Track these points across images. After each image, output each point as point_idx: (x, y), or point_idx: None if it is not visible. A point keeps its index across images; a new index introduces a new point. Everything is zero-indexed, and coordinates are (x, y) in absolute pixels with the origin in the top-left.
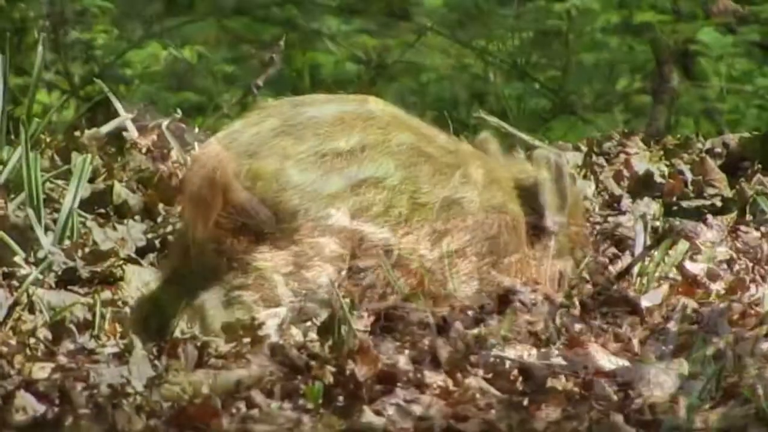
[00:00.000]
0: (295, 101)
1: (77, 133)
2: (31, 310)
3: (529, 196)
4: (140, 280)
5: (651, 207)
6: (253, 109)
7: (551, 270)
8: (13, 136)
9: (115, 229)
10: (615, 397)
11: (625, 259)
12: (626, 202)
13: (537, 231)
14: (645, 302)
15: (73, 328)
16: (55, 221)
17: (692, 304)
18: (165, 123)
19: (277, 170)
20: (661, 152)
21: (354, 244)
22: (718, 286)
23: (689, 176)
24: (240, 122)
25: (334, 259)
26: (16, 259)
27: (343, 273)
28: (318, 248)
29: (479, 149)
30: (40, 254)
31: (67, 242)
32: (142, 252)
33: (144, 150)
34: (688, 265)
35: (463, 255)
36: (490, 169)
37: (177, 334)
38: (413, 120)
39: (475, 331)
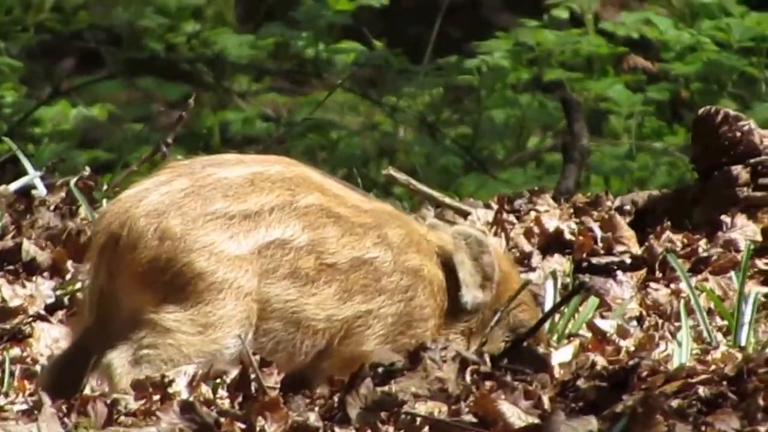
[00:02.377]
0: (206, 161)
1: None
2: None
3: (449, 270)
4: (49, 337)
5: (561, 264)
6: (164, 167)
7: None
8: None
9: (24, 286)
10: None
11: None
12: (537, 259)
13: (455, 306)
14: (555, 359)
15: None
16: None
17: (602, 360)
18: (73, 181)
19: (184, 231)
20: (571, 209)
21: (261, 305)
22: (627, 343)
23: (599, 233)
24: (149, 181)
25: (241, 321)
26: None
27: (250, 334)
28: (225, 309)
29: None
30: None
31: None
32: (51, 309)
33: (52, 207)
34: (598, 322)
35: (376, 316)
36: (410, 231)
37: (87, 391)
38: (325, 180)
39: (386, 387)
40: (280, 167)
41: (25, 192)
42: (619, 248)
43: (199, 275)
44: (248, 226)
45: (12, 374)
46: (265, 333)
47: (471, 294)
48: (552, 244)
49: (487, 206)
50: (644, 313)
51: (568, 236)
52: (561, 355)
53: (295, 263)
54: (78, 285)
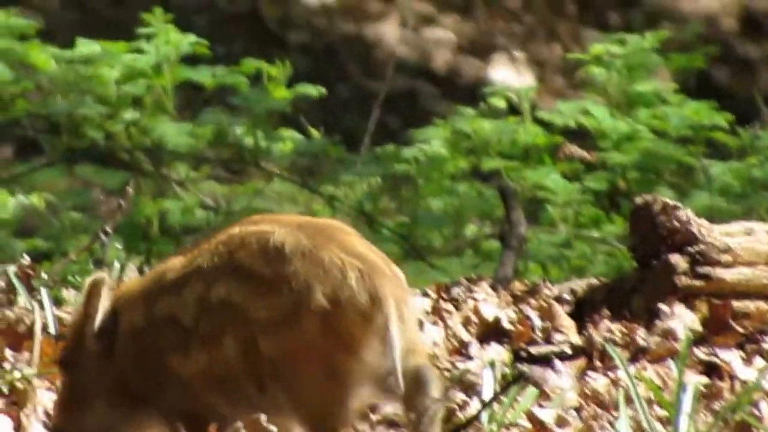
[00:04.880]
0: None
1: None
2: None
3: None
4: None
5: (499, 353)
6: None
7: None
8: None
9: None
10: None
11: (474, 405)
12: (475, 348)
13: None
14: None
15: None
16: None
17: None
18: (12, 269)
19: None
20: (510, 298)
21: None
22: None
23: (538, 322)
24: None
25: None
26: None
27: None
28: None
29: None
30: None
31: None
32: None
33: None
34: (537, 412)
35: None
36: None
37: None
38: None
39: None
40: None
41: None
42: (558, 337)
43: None
44: None
45: None
46: None
47: None
48: (490, 332)
49: (425, 294)
50: (583, 402)
51: (506, 325)
52: None
53: None
54: (17, 374)
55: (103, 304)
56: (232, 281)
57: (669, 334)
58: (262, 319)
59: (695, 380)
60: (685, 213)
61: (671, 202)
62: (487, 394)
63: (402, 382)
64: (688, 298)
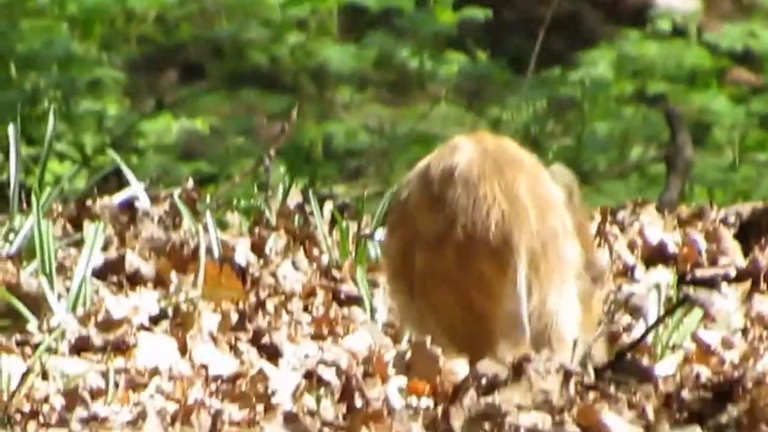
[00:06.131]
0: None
1: (89, 203)
2: (44, 378)
3: None
4: (153, 348)
5: (665, 276)
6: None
7: None
8: (25, 205)
9: (127, 297)
10: None
11: (639, 328)
12: (640, 271)
13: None
14: (659, 371)
15: (87, 396)
16: (68, 289)
17: (706, 372)
18: (177, 193)
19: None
20: (675, 221)
21: None
22: (732, 355)
23: (703, 245)
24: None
25: None
26: (29, 326)
27: None
28: None
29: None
30: (53, 322)
31: (80, 310)
32: (154, 320)
33: (156, 219)
34: (702, 334)
35: None
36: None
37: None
38: None
39: (489, 399)
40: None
41: (129, 204)
42: (724, 260)
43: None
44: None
45: (116, 385)
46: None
47: None
48: (655, 256)
49: (591, 218)
50: (749, 325)
51: (671, 248)
52: (665, 367)
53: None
54: (182, 296)
55: None
56: (416, 185)
57: None
58: (421, 232)
59: None
60: None
61: None
62: (652, 317)
63: (527, 332)
64: None
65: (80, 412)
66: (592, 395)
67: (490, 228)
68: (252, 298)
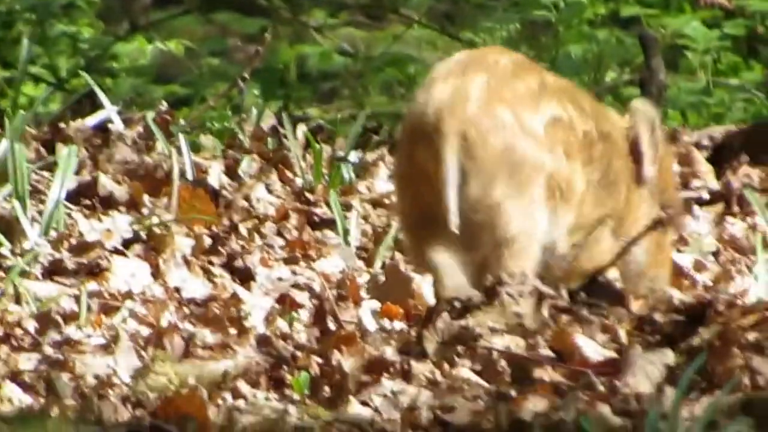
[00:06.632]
0: (478, 53)
1: (63, 126)
2: (18, 301)
3: (631, 145)
4: (126, 272)
5: None
6: (438, 69)
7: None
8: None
9: (100, 220)
10: (602, 388)
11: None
12: None
13: (635, 180)
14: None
15: (59, 319)
16: (41, 213)
17: (679, 294)
18: (150, 115)
19: (514, 117)
20: None
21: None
22: (704, 277)
23: (676, 168)
24: (450, 83)
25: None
26: (2, 250)
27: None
28: (541, 190)
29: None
30: (27, 245)
31: (53, 234)
32: (127, 243)
33: (129, 142)
34: (675, 256)
35: (590, 182)
36: (595, 103)
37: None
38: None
39: (463, 321)
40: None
41: (102, 127)
42: (697, 183)
43: (528, 160)
44: (536, 105)
45: (89, 308)
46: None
47: (649, 167)
48: None
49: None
50: (721, 247)
51: None
52: None
53: (565, 140)
54: (155, 219)
55: None
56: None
57: None
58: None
59: None
60: None
61: None
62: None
63: (453, 222)
64: None
65: (53, 335)
66: (565, 318)
67: (426, 118)
68: (225, 222)
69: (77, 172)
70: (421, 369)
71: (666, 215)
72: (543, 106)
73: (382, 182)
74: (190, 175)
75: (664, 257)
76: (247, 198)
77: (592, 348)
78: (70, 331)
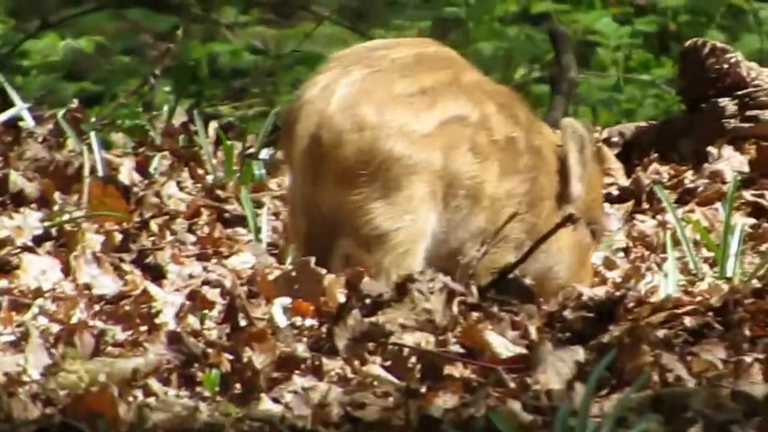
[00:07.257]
0: (370, 46)
1: None
2: None
3: (559, 162)
4: (36, 269)
5: None
6: (329, 61)
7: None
8: None
9: (11, 217)
10: (512, 384)
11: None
12: None
13: (561, 198)
14: None
15: None
16: None
17: (589, 291)
18: (61, 113)
19: (379, 118)
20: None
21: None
22: (614, 274)
23: None
24: (325, 77)
25: (433, 201)
26: None
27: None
28: (420, 191)
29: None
30: None
31: None
32: (38, 240)
33: (40, 139)
34: None
35: (511, 194)
36: (530, 113)
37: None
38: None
39: (374, 318)
40: (435, 47)
41: (13, 124)
42: (607, 180)
43: (398, 160)
44: (427, 103)
45: None
46: (453, 210)
47: (576, 185)
48: None
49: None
50: (631, 244)
51: None
52: None
53: (473, 139)
54: (66, 216)
55: None
56: None
57: (717, 177)
58: None
59: (743, 222)
60: (735, 56)
61: (720, 45)
62: None
63: (299, 221)
64: (737, 140)
65: None
66: (475, 315)
67: (289, 116)
68: (136, 219)
69: None
70: (332, 365)
71: (592, 231)
72: (441, 103)
73: None
74: (101, 172)
75: (585, 273)
76: (158, 195)
77: (503, 344)
78: None
